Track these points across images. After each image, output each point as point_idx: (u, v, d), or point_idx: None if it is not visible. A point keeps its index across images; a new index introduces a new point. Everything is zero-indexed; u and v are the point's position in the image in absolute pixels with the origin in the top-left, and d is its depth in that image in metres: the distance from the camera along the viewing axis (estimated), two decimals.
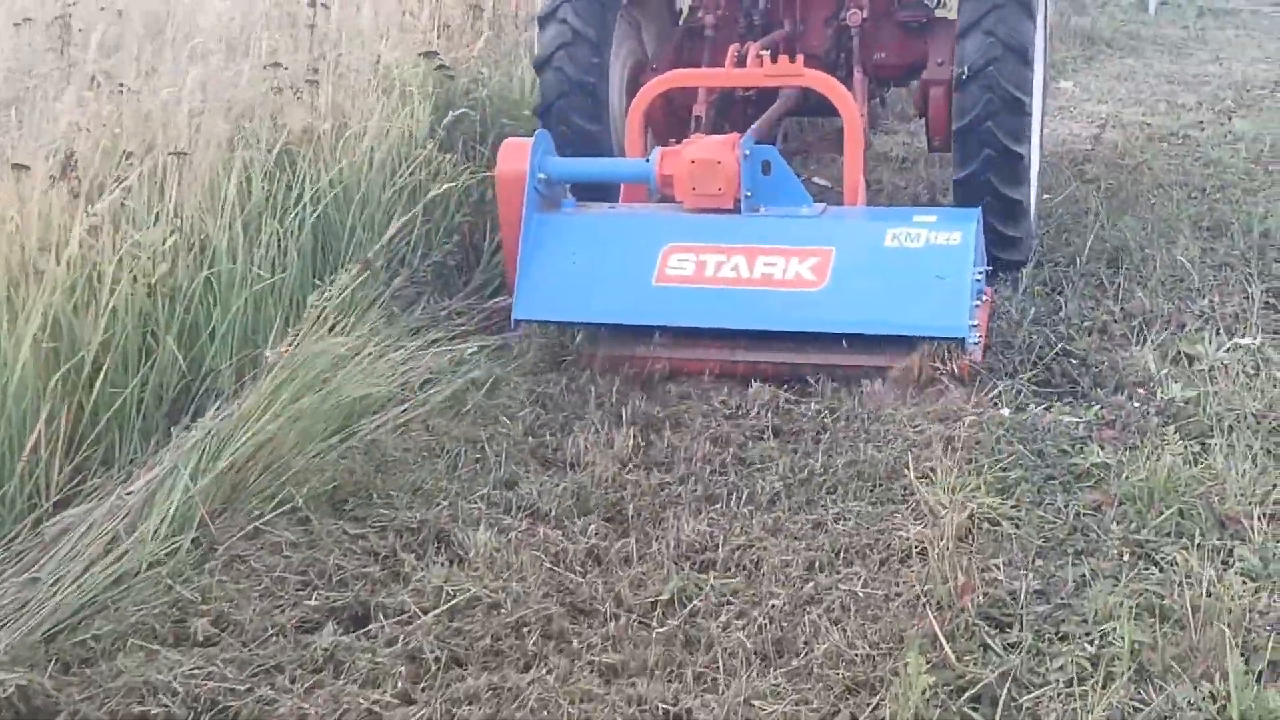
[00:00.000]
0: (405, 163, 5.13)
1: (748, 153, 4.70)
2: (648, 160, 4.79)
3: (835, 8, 5.99)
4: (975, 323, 4.39)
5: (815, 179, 6.30)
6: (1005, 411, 4.08)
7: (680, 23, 6.37)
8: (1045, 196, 6.45)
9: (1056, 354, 4.62)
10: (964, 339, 4.34)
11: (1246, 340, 4.38)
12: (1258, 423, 4.00)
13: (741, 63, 5.23)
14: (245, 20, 6.22)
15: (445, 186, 5.19)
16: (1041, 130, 6.15)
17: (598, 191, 5.14)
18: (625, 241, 4.74)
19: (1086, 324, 4.97)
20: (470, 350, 4.67)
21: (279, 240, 4.42)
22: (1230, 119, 8.88)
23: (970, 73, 5.10)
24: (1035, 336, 4.77)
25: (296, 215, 4.54)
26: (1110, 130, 8.75)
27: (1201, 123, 8.86)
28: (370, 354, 4.33)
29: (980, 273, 4.55)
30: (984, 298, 4.63)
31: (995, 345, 4.74)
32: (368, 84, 5.40)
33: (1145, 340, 4.70)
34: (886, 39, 6.04)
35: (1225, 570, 3.20)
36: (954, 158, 5.31)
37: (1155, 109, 9.62)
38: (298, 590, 3.23)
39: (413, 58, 5.70)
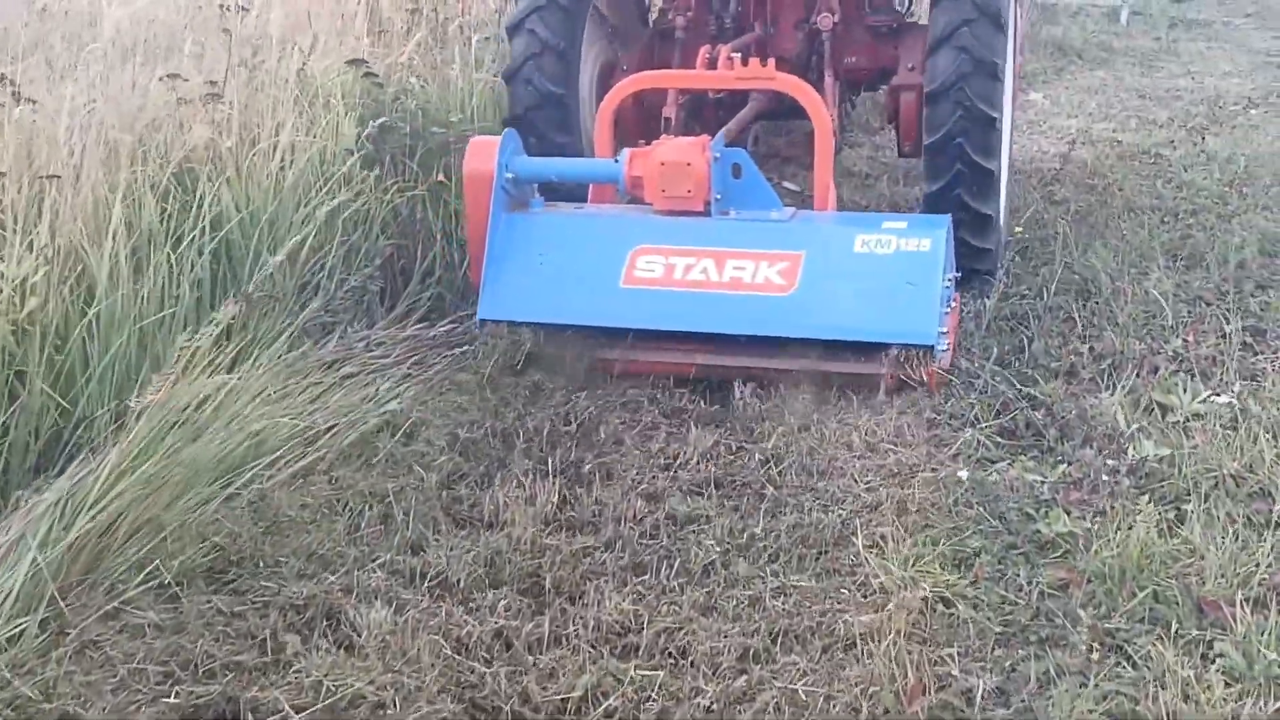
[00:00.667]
0: (323, 180, 4.72)
1: (718, 155, 4.63)
2: (617, 161, 4.71)
3: (806, 11, 5.94)
4: (944, 329, 4.35)
5: (786, 183, 6.13)
6: (963, 474, 3.73)
7: (650, 24, 6.29)
8: (1014, 224, 6.13)
9: (1021, 399, 4.29)
10: (933, 346, 4.29)
11: (1224, 399, 4.04)
12: (1237, 486, 3.67)
13: (712, 65, 5.18)
14: (168, 21, 5.80)
15: (367, 205, 4.79)
16: (1011, 142, 6.14)
17: (566, 192, 5.07)
18: (593, 242, 4.68)
19: (1054, 365, 4.63)
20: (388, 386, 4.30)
21: (171, 269, 4.02)
22: (1203, 137, 8.59)
23: (941, 88, 5.05)
24: (998, 381, 4.43)
25: (193, 241, 4.13)
26: (1080, 147, 8.44)
27: (1173, 141, 8.56)
28: (270, 394, 3.95)
29: (950, 279, 4.52)
30: (953, 304, 4.61)
31: (956, 389, 4.42)
32: (286, 94, 4.98)
33: (1116, 386, 4.36)
34: (857, 43, 6.00)
35: (1205, 668, 2.86)
36: (924, 172, 5.28)
37: (1126, 125, 9.32)
38: (158, 684, 2.83)
39: (340, 65, 5.30)
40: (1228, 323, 4.99)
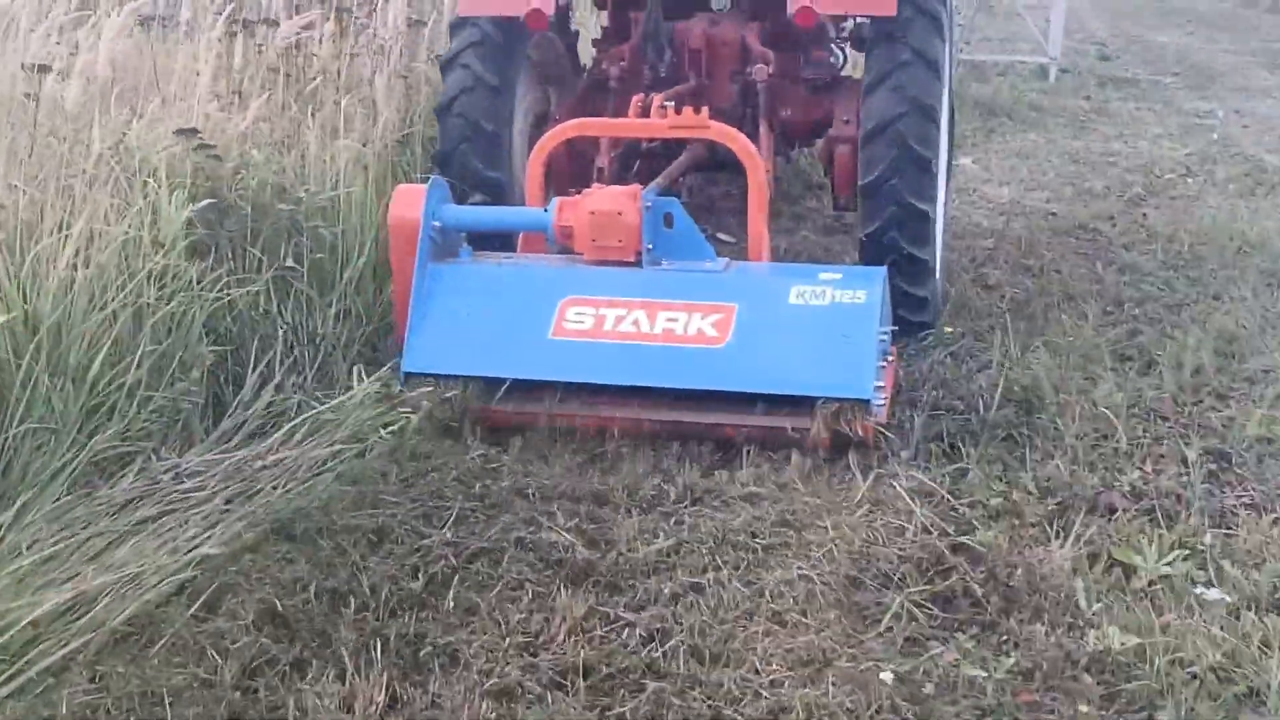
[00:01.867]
0: (127, 276, 3.93)
1: (649, 204, 4.54)
2: (546, 210, 4.61)
3: (741, 63, 5.84)
4: (881, 384, 4.24)
5: (719, 234, 5.94)
6: (887, 676, 3.01)
7: (584, 73, 6.20)
8: (944, 322, 5.51)
9: (956, 553, 3.60)
10: (869, 400, 4.17)
11: (1214, 593, 3.36)
12: (1219, 682, 3.00)
13: (645, 113, 5.07)
14: None
15: (187, 303, 4.02)
16: (948, 190, 6.18)
17: (495, 241, 4.94)
18: (522, 293, 4.56)
19: (993, 501, 3.96)
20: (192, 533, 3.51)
21: None
22: (1144, 214, 8.07)
23: (876, 128, 5.04)
24: (930, 526, 3.75)
25: None
26: (1013, 220, 7.89)
27: (1112, 215, 8.04)
28: (32, 556, 3.15)
29: (885, 333, 4.39)
30: (890, 358, 4.50)
31: (880, 533, 3.73)
32: (101, 170, 4.20)
33: (1067, 534, 3.69)
34: (792, 96, 5.96)
35: None
36: (860, 215, 5.25)
37: (1060, 194, 8.80)
38: None
39: (168, 135, 4.52)
40: (1188, 444, 4.38)
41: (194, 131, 4.49)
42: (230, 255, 4.52)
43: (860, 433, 4.17)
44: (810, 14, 5.18)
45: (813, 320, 4.29)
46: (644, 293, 4.43)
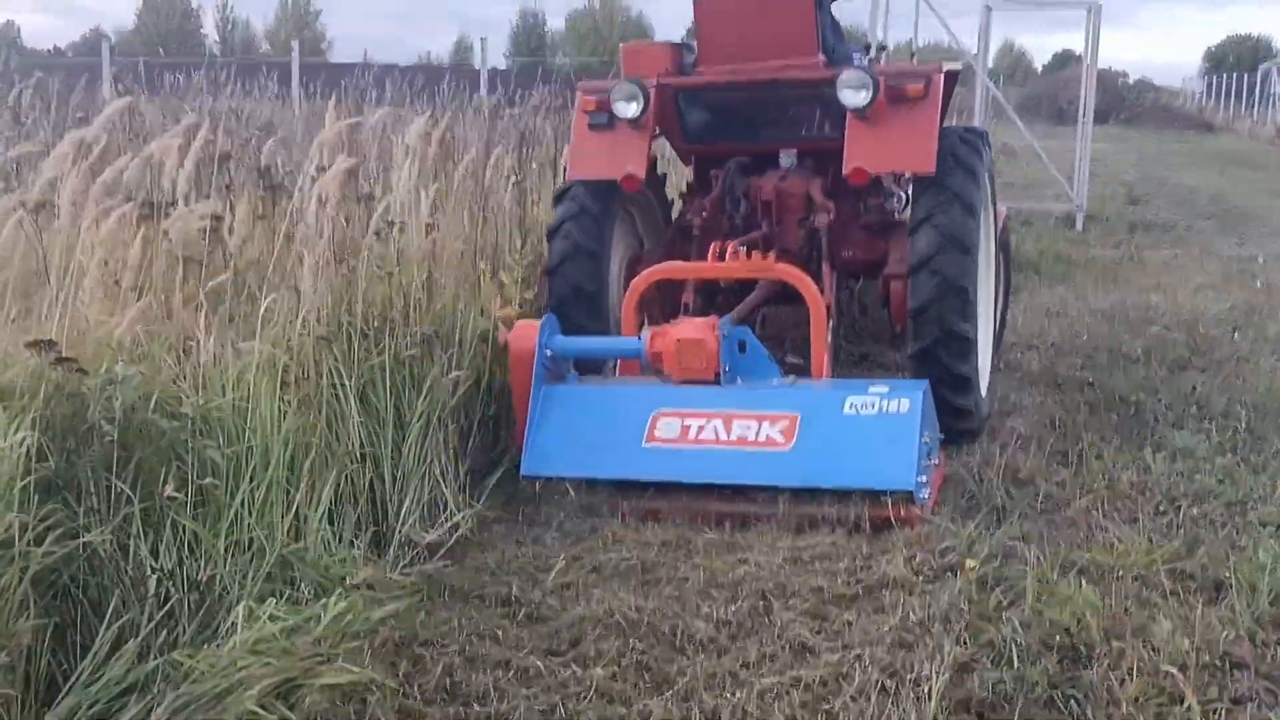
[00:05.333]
0: None
1: (726, 333, 5.38)
2: (640, 339, 5.47)
3: (806, 211, 6.60)
4: (925, 479, 4.91)
5: (789, 357, 6.40)
6: None
7: (671, 223, 7.09)
8: (968, 536, 4.64)
9: None
10: (912, 491, 4.80)
11: None
12: None
13: (723, 257, 5.86)
14: None
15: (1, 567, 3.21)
16: (997, 314, 7.07)
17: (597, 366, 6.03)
18: (620, 408, 5.37)
19: None
20: None
21: None
22: (1190, 383, 7.20)
23: (919, 262, 5.77)
24: None
25: None
26: (1045, 394, 7.04)
27: (1155, 385, 7.17)
28: None
29: (930, 438, 5.05)
30: (936, 461, 5.20)
31: None
32: None
33: None
34: (852, 239, 6.73)
35: None
36: (910, 335, 5.90)
37: (1096, 360, 7.95)
38: None
39: (18, 349, 3.78)
40: (1274, 704, 3.45)
41: (50, 343, 3.75)
42: (92, 489, 3.73)
43: (905, 518, 4.78)
44: (862, 174, 5.99)
45: (864, 426, 4.98)
46: (721, 406, 5.20)
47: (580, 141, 6.47)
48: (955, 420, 5.68)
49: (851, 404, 5.06)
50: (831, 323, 5.87)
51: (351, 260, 5.39)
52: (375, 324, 5.33)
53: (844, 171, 5.99)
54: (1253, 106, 43.55)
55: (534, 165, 8.53)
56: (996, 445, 5.94)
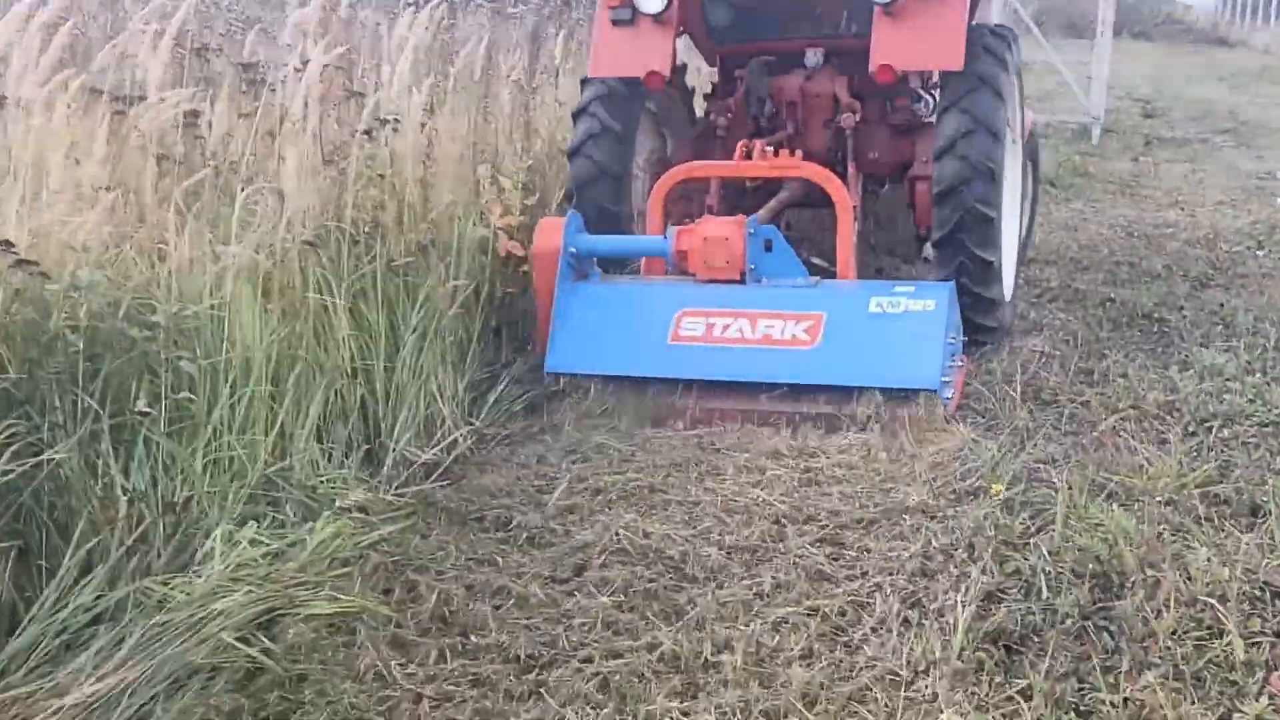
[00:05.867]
0: None
1: (752, 231, 5.31)
2: (665, 238, 5.40)
3: (832, 112, 6.51)
4: (949, 379, 4.90)
5: (813, 258, 6.26)
6: None
7: (696, 123, 6.95)
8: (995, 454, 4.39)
9: None
10: (937, 390, 4.79)
11: None
12: None
13: (749, 157, 5.88)
14: None
15: None
16: (1024, 232, 7.08)
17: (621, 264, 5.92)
18: (644, 307, 5.33)
19: None
20: None
21: None
22: (1216, 299, 6.92)
23: (944, 191, 5.65)
24: None
25: None
26: (1066, 310, 6.77)
27: (1180, 304, 6.89)
28: None
29: (955, 338, 5.11)
30: (959, 362, 5.24)
31: None
32: None
33: None
34: (878, 140, 6.61)
35: None
36: (935, 261, 5.87)
37: (1116, 275, 7.67)
38: None
39: None
40: None
41: (7, 244, 3.46)
42: (56, 403, 3.47)
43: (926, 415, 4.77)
44: (889, 70, 5.74)
45: (889, 325, 4.97)
46: (747, 305, 5.17)
47: (602, 37, 6.19)
48: (979, 314, 5.64)
49: (877, 303, 5.03)
50: (857, 225, 5.77)
51: (340, 160, 5.08)
52: (366, 229, 5.04)
53: (870, 68, 5.76)
54: (1269, 20, 42.58)
55: (540, 68, 8.16)
56: (1018, 363, 5.68)
